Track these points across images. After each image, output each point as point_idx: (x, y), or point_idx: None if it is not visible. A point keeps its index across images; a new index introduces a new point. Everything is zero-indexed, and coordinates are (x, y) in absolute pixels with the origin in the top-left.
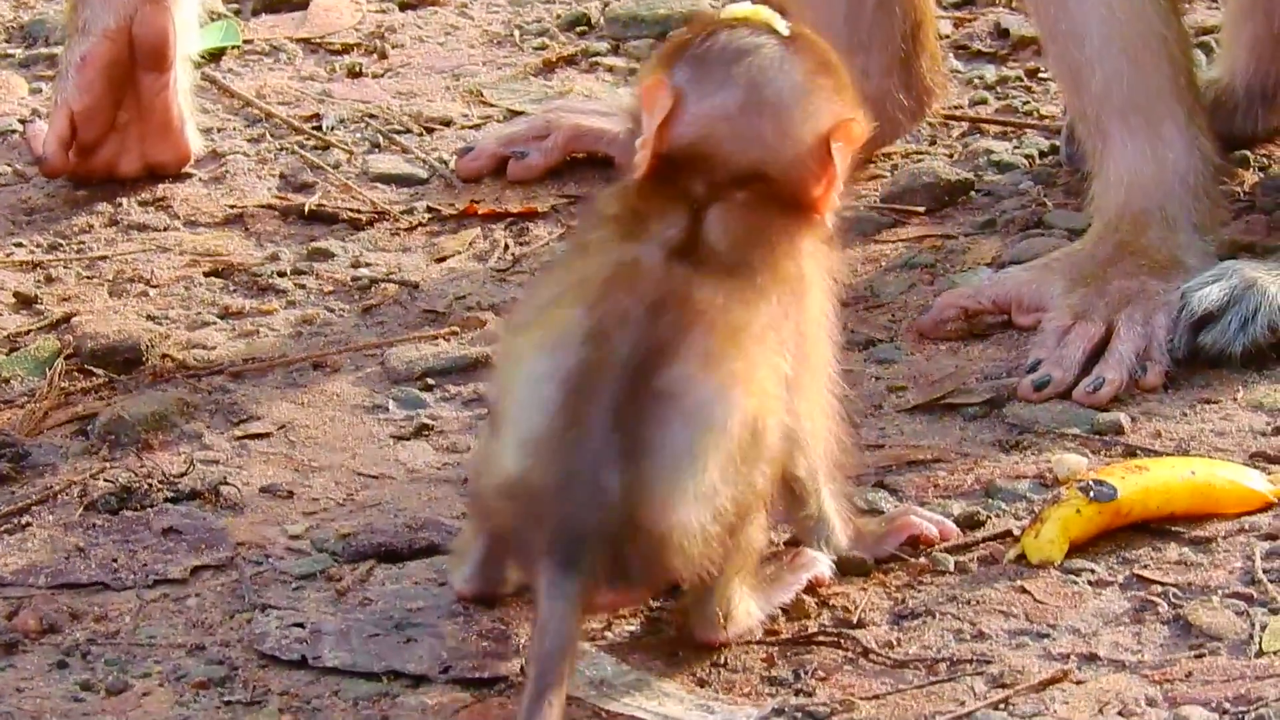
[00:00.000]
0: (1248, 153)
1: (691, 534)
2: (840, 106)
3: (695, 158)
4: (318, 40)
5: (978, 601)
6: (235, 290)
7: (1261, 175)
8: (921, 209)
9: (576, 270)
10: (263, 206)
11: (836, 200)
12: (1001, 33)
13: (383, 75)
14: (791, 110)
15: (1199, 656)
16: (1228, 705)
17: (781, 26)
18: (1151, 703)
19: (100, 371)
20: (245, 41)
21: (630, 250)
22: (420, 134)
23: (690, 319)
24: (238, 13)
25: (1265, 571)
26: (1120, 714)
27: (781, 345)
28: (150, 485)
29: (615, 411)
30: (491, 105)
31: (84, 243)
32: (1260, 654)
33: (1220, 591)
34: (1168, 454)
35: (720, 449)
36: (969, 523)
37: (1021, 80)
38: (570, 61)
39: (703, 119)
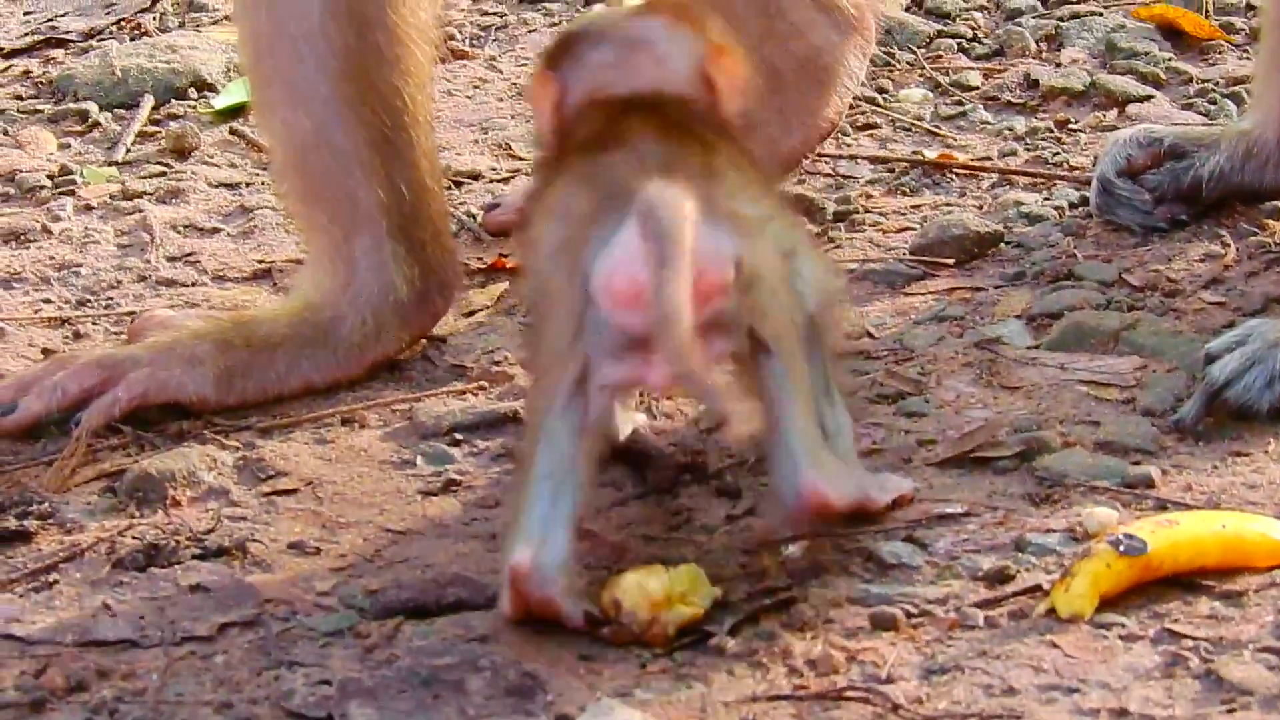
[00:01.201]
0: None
1: None
2: (707, 39)
3: (596, 104)
4: None
5: (1007, 656)
6: None
7: None
8: (950, 261)
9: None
10: (291, 261)
11: (741, 101)
12: (1031, 84)
13: None
14: (663, 45)
15: (1231, 711)
16: None
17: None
18: None
19: (127, 428)
20: None
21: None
22: (449, 187)
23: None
24: None
25: None
26: None
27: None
28: (177, 542)
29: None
30: (520, 159)
31: (112, 298)
32: None
33: (1252, 645)
34: (1199, 507)
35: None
36: (999, 577)
37: (1051, 131)
38: None
39: (588, 77)
